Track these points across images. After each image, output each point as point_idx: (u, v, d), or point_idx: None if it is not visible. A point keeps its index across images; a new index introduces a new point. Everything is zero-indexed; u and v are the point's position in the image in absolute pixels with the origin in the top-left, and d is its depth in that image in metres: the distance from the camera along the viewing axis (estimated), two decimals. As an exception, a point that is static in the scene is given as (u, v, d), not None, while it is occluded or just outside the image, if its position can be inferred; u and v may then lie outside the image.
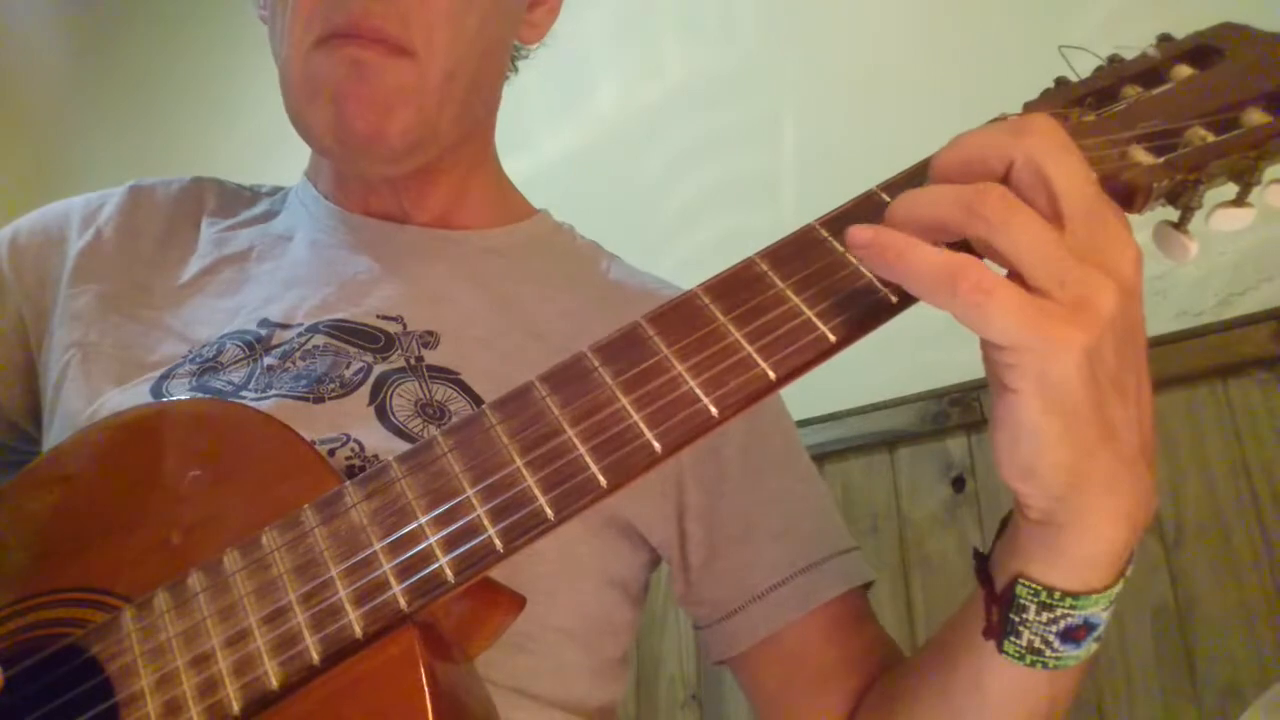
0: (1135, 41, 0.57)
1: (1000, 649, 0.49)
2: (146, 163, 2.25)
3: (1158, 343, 1.26)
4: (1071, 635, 0.48)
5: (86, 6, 2.49)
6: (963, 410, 1.36)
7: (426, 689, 0.42)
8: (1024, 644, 0.48)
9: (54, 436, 0.69)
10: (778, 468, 0.73)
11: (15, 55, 2.54)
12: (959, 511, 1.34)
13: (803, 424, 1.46)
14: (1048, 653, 0.48)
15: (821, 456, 1.45)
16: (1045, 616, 0.47)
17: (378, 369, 0.66)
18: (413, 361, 0.67)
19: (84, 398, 0.67)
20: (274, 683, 0.44)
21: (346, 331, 0.68)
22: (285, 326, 0.68)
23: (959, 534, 1.33)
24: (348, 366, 0.66)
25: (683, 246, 1.62)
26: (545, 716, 0.63)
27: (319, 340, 0.67)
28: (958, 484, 1.35)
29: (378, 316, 0.69)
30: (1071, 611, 0.47)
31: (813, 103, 1.61)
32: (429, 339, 0.68)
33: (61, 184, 2.31)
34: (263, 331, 0.68)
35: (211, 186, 0.81)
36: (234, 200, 0.80)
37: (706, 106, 1.70)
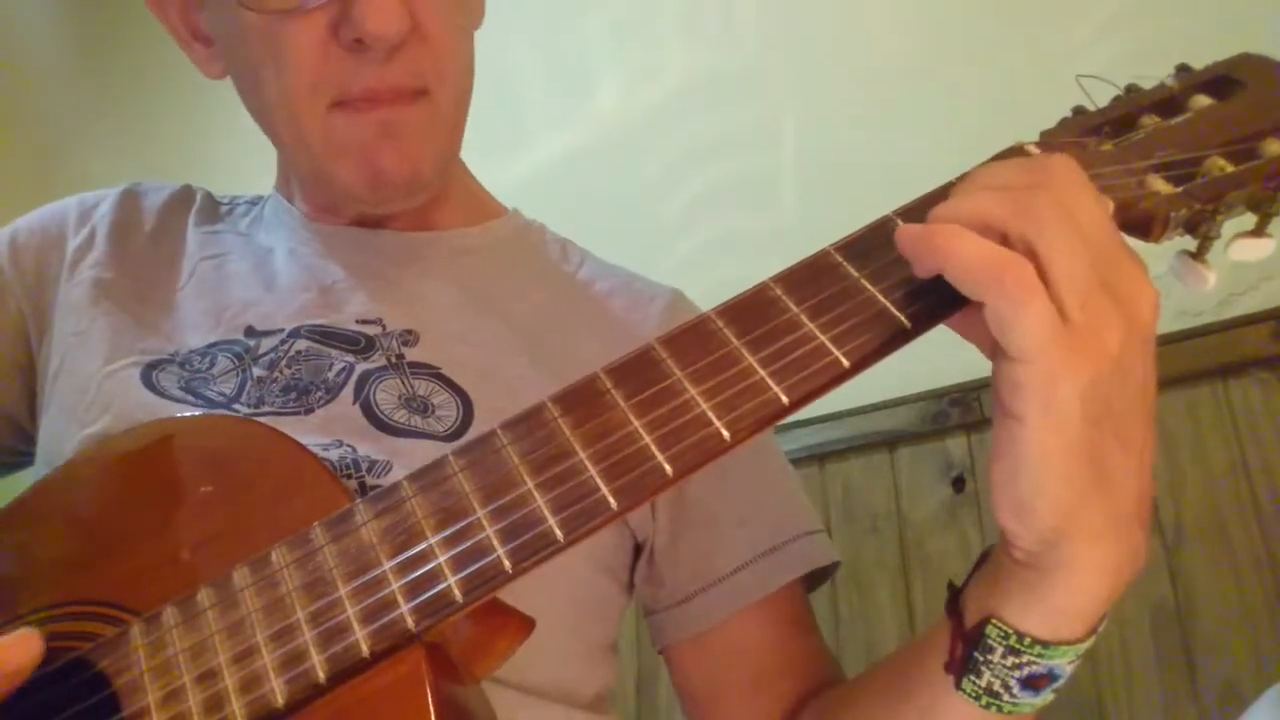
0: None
1: (958, 685, 0.48)
2: (148, 162, 2.25)
3: (1158, 343, 1.26)
4: (1033, 683, 0.47)
5: (92, 14, 2.49)
6: (963, 410, 1.37)
7: (433, 709, 0.42)
8: (983, 684, 0.47)
9: (47, 423, 0.70)
10: (745, 454, 0.73)
11: (17, 54, 2.53)
12: (959, 511, 1.34)
13: (803, 424, 1.46)
14: (1005, 697, 0.47)
15: (821, 456, 1.45)
16: (1010, 661, 0.47)
17: (359, 368, 0.67)
18: (394, 359, 0.68)
19: (78, 383, 0.68)
20: (279, 701, 0.43)
21: (328, 336, 0.69)
22: (269, 333, 0.70)
23: (959, 534, 1.33)
24: (330, 369, 0.67)
25: (683, 247, 1.62)
26: (546, 712, 0.64)
27: (301, 345, 0.68)
28: (958, 484, 1.35)
29: (357, 321, 0.70)
30: (1038, 660, 0.46)
31: (813, 104, 1.61)
32: (408, 337, 0.69)
33: (63, 184, 2.31)
34: (250, 342, 0.69)
35: (200, 193, 0.83)
36: (217, 209, 0.83)
37: (707, 107, 1.70)
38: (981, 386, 1.36)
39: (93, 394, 0.66)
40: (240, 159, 2.01)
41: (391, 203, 0.72)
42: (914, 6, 1.56)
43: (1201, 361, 1.23)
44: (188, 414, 0.64)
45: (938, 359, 1.39)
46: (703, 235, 1.63)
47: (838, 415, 1.44)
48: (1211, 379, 1.22)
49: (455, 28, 0.68)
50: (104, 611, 0.49)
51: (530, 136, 1.82)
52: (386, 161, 0.67)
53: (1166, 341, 1.26)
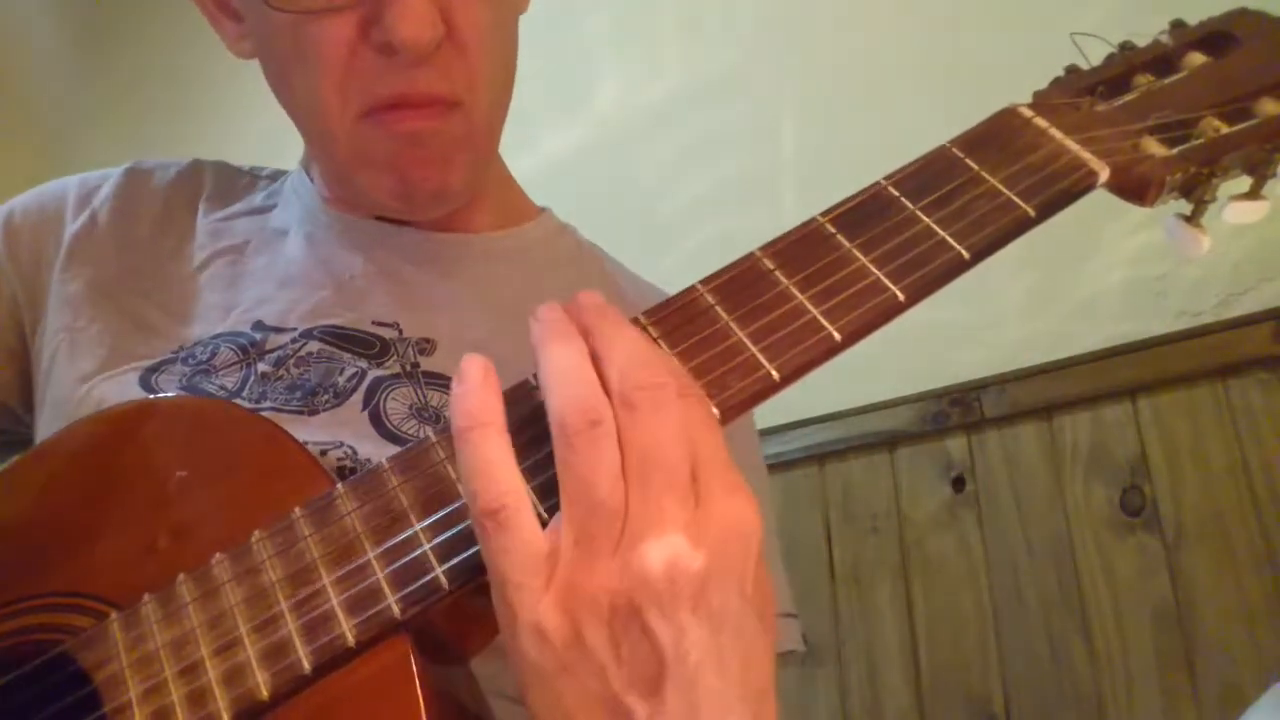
0: (1141, 39, 0.57)
1: None
2: (148, 157, 2.26)
3: (1158, 343, 1.26)
4: None
5: (90, 5, 2.49)
6: (963, 410, 1.37)
7: (421, 697, 0.41)
8: None
9: (42, 423, 0.68)
10: None
11: (20, 52, 2.53)
12: (959, 511, 1.34)
13: (802, 424, 1.46)
14: None
15: (821, 456, 1.45)
16: None
17: (371, 374, 0.65)
18: (408, 368, 0.66)
19: (69, 385, 0.66)
20: (264, 693, 0.42)
21: (341, 338, 0.67)
22: (279, 330, 0.67)
23: (959, 534, 1.33)
24: (341, 373, 0.65)
25: (683, 246, 1.62)
26: None
27: (313, 347, 0.66)
28: (958, 484, 1.35)
29: (373, 323, 0.68)
30: None
31: (813, 103, 1.61)
32: (425, 345, 0.67)
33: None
34: (257, 335, 0.67)
35: (210, 169, 0.80)
36: (233, 186, 0.79)
37: (706, 106, 1.70)
38: (981, 386, 1.36)
39: (83, 394, 0.64)
40: (241, 156, 2.01)
41: (418, 213, 0.70)
42: (914, 6, 1.56)
43: (1201, 361, 1.23)
44: (160, 395, 0.61)
45: (938, 359, 1.39)
46: (703, 235, 1.62)
47: (838, 415, 1.44)
48: (1211, 379, 1.22)
49: (492, 35, 0.65)
50: (81, 602, 0.48)
51: (530, 136, 1.82)
52: (416, 174, 0.64)
53: (1166, 341, 1.26)
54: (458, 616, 0.46)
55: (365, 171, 0.65)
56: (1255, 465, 1.17)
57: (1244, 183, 0.51)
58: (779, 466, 1.47)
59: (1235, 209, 0.50)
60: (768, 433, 1.45)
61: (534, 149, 1.81)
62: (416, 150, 0.64)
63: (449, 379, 0.65)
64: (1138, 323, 1.29)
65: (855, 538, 1.40)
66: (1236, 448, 1.19)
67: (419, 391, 0.65)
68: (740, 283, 0.46)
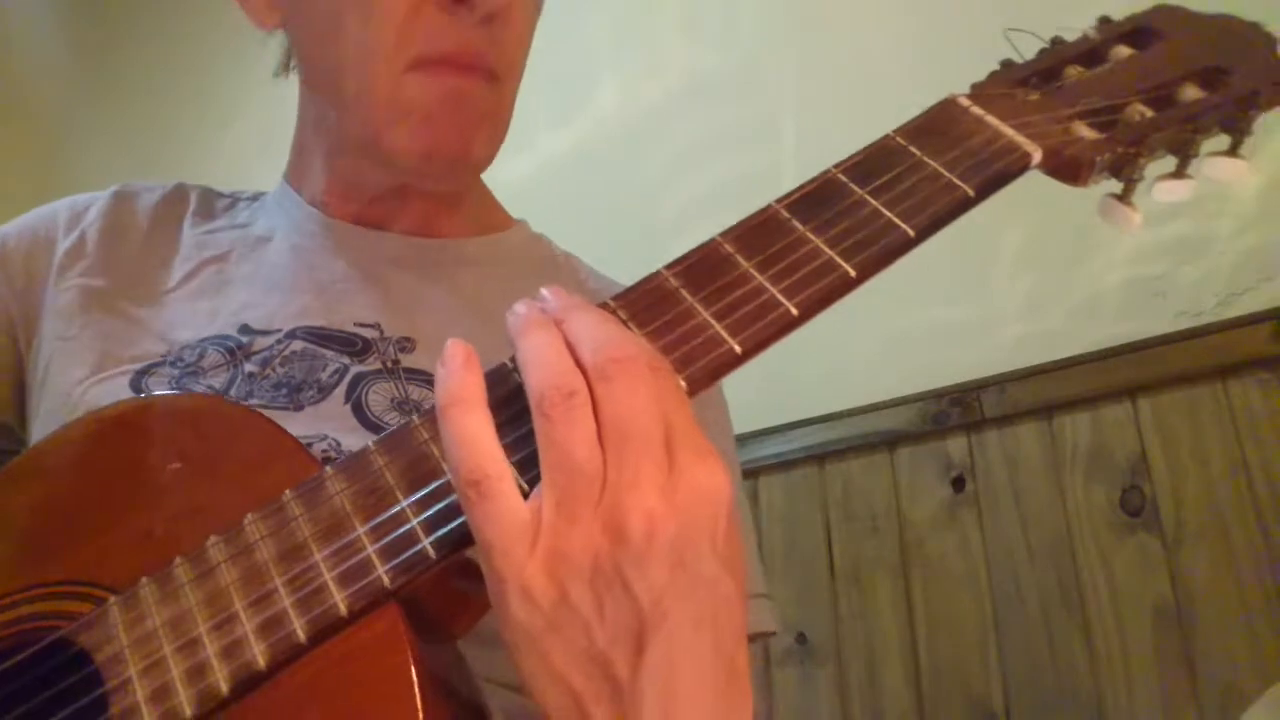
0: (1070, 35, 0.59)
1: None
2: (148, 167, 2.26)
3: (1158, 343, 1.26)
4: None
5: (91, 15, 2.50)
6: (963, 410, 1.37)
7: (411, 660, 0.43)
8: None
9: (37, 430, 0.69)
10: None
11: (20, 63, 2.54)
12: (959, 511, 1.34)
13: (802, 424, 1.46)
14: None
15: (821, 456, 1.45)
16: None
17: (353, 370, 0.67)
18: (389, 364, 0.68)
19: (63, 390, 0.67)
20: (262, 663, 0.44)
21: (324, 337, 0.69)
22: (265, 333, 0.69)
23: (959, 534, 1.33)
24: (324, 369, 0.67)
25: (683, 246, 1.62)
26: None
27: (297, 346, 0.68)
28: (958, 484, 1.35)
29: (355, 324, 0.70)
30: None
31: (813, 103, 1.61)
32: (406, 344, 0.69)
33: (62, 184, 2.32)
34: (243, 338, 0.69)
35: (194, 191, 0.82)
36: (215, 205, 0.82)
37: (706, 106, 1.70)
38: (981, 386, 1.36)
39: (76, 399, 0.66)
40: (238, 158, 2.02)
41: (432, 178, 0.72)
42: (914, 5, 1.56)
43: (1201, 361, 1.23)
44: (153, 394, 0.63)
45: (938, 359, 1.39)
46: (703, 235, 1.62)
47: (838, 415, 1.44)
48: (1211, 379, 1.22)
49: (531, 24, 0.69)
50: (80, 590, 0.50)
51: (530, 136, 1.82)
52: (447, 134, 0.66)
53: (1166, 341, 1.26)
54: (444, 596, 0.47)
55: (398, 125, 0.66)
56: (1255, 465, 1.17)
57: (1170, 163, 0.54)
58: (779, 466, 1.47)
59: (1162, 188, 0.54)
60: (768, 433, 1.46)
61: (534, 149, 1.81)
62: (453, 110, 0.66)
63: (429, 375, 0.67)
64: (1137, 323, 1.29)
65: (855, 537, 1.40)
66: (1236, 448, 1.19)
67: (400, 386, 0.66)
68: (702, 266, 0.49)
